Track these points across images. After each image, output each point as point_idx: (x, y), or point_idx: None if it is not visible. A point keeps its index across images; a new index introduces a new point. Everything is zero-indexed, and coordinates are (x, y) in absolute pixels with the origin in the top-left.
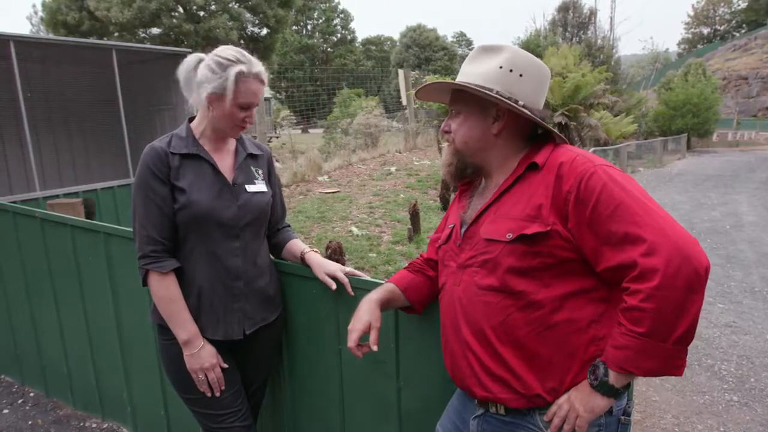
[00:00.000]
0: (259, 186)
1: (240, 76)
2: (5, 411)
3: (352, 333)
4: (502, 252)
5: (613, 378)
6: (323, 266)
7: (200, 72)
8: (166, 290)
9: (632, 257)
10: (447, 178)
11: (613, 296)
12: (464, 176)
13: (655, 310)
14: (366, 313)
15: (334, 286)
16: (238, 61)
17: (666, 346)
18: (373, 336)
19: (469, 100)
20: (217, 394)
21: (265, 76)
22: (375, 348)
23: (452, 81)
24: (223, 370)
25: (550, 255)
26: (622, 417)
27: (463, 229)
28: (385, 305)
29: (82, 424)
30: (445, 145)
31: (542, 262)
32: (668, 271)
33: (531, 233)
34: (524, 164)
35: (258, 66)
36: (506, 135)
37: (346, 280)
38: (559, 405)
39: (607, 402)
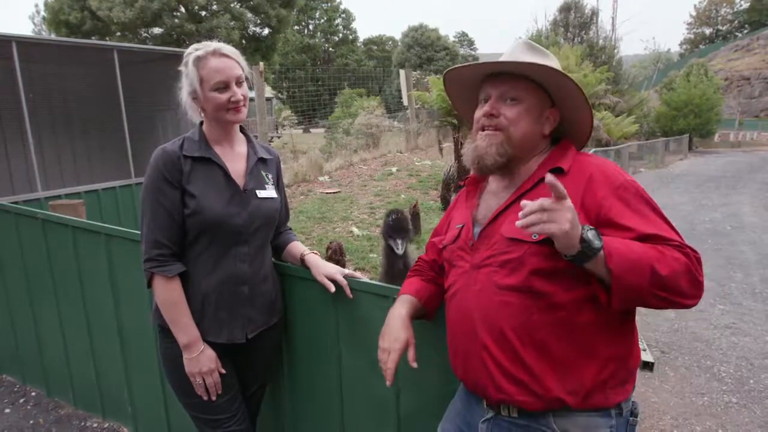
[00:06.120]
0: (270, 192)
1: (197, 61)
2: (7, 410)
3: (393, 353)
4: (527, 252)
5: (600, 256)
6: (322, 268)
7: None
8: (170, 294)
9: (670, 238)
10: (477, 170)
11: None
12: (492, 171)
13: (679, 272)
14: (402, 331)
15: (332, 288)
16: (195, 50)
17: (650, 290)
18: (411, 353)
19: (532, 91)
20: (213, 398)
21: (230, 50)
22: (415, 365)
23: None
24: (220, 375)
25: None
26: (631, 418)
27: (478, 229)
28: (413, 319)
29: (82, 423)
30: (446, 145)
31: (568, 264)
32: (694, 264)
33: None
34: (547, 167)
35: (215, 44)
36: (547, 137)
37: (345, 282)
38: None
39: (573, 245)
